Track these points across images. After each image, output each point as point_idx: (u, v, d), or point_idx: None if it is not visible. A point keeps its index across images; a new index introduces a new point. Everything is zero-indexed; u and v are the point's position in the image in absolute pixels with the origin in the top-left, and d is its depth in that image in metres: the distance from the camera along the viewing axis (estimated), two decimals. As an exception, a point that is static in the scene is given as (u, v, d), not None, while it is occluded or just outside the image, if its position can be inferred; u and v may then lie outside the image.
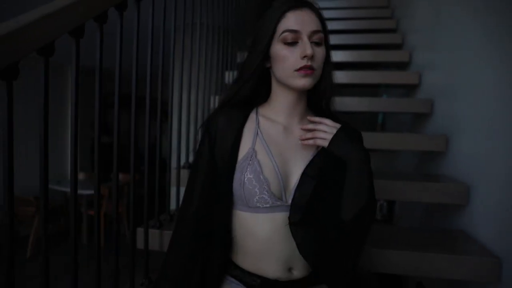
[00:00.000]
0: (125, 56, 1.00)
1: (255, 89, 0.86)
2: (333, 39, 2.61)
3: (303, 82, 0.79)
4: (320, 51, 0.80)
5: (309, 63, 0.78)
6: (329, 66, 0.84)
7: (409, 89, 2.33)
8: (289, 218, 0.79)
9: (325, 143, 0.81)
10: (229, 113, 0.86)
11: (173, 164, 1.47)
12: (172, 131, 1.48)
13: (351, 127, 0.88)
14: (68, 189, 5.17)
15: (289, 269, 0.83)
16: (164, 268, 0.87)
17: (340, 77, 2.24)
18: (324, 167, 0.81)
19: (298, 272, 0.83)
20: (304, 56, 0.77)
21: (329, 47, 0.85)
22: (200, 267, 0.83)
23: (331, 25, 2.85)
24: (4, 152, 0.64)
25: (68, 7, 0.76)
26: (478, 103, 1.37)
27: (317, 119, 0.85)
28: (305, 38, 0.78)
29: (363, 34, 2.83)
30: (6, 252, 0.64)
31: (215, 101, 1.87)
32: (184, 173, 1.49)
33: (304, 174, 0.81)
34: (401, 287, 2.20)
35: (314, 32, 0.79)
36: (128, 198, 4.74)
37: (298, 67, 0.78)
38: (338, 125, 0.83)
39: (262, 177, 0.80)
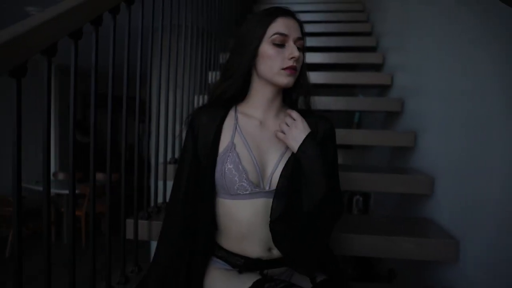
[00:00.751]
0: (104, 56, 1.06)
1: (240, 87, 0.95)
2: (313, 42, 2.77)
3: (287, 80, 0.90)
4: (301, 56, 0.91)
5: (294, 64, 0.88)
6: (304, 68, 0.95)
7: (383, 89, 2.47)
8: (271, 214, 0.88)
9: (283, 139, 0.91)
10: (210, 111, 0.95)
11: (160, 159, 1.54)
12: (159, 128, 1.55)
13: (322, 121, 0.98)
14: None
15: (269, 249, 0.92)
16: (155, 254, 0.96)
17: (318, 77, 2.38)
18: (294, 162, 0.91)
19: (277, 251, 0.92)
20: (292, 57, 0.88)
21: (305, 52, 0.96)
22: (188, 259, 0.92)
23: (310, 28, 2.99)
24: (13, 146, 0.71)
25: (69, 11, 0.83)
26: (442, 102, 1.51)
27: (292, 116, 0.93)
28: (291, 42, 0.89)
29: (340, 37, 2.96)
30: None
31: (199, 100, 1.95)
32: (170, 168, 1.57)
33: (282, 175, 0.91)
34: (374, 273, 2.33)
35: (298, 38, 0.90)
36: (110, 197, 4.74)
37: (285, 66, 0.88)
38: (300, 126, 0.91)
39: (241, 167, 0.89)
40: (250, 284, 0.86)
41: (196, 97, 1.94)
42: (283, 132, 0.92)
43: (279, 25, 0.89)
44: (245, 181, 0.89)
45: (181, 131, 1.73)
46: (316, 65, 2.70)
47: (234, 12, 2.79)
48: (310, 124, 0.94)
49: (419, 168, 1.70)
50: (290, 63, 0.88)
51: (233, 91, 0.94)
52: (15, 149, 0.72)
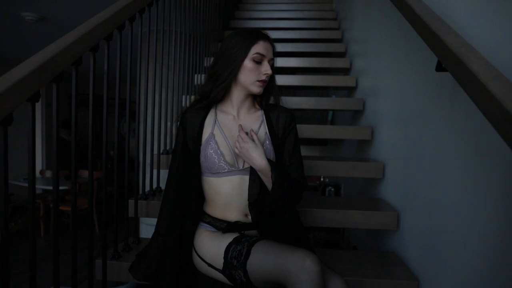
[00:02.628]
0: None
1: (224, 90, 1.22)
2: (289, 47, 3.06)
3: (259, 89, 1.19)
4: (271, 72, 1.20)
5: (266, 79, 1.18)
6: (273, 80, 1.24)
7: (350, 91, 2.78)
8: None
9: (238, 153, 1.15)
10: (195, 110, 1.23)
11: (155, 151, 1.79)
12: (154, 124, 1.80)
13: (283, 113, 1.27)
14: (37, 186, 5.28)
15: (246, 215, 1.20)
16: (157, 225, 1.23)
17: (294, 80, 2.68)
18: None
19: (251, 216, 1.20)
20: (266, 74, 1.17)
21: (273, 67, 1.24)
22: (181, 226, 1.19)
23: (288, 35, 3.28)
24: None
25: (73, 44, 1.02)
26: (394, 101, 1.80)
27: (242, 136, 1.15)
28: (266, 62, 1.17)
29: (315, 43, 3.26)
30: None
31: (186, 100, 2.21)
32: (163, 158, 1.83)
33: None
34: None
35: (271, 59, 1.19)
36: (96, 194, 4.92)
37: (260, 79, 1.17)
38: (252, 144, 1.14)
39: (219, 151, 1.17)
40: (231, 239, 1.14)
41: (184, 97, 2.20)
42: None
43: (260, 47, 1.17)
44: (223, 162, 1.17)
45: (171, 126, 1.99)
46: (293, 69, 3.00)
47: (217, 20, 3.05)
48: (273, 116, 1.24)
49: (375, 157, 2.00)
50: (263, 77, 1.17)
51: (221, 94, 1.21)
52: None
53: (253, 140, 1.16)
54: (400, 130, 1.66)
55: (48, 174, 5.75)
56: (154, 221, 1.29)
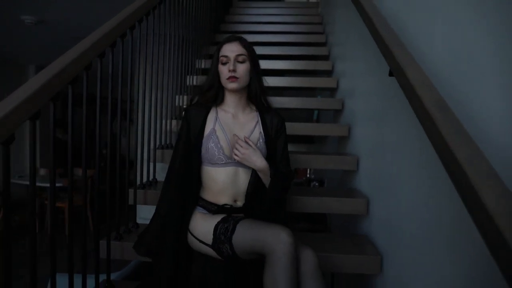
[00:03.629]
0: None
1: (217, 93, 1.42)
2: (276, 50, 3.26)
3: (231, 86, 1.37)
4: (242, 66, 1.37)
5: (232, 74, 1.35)
6: (255, 75, 1.41)
7: (332, 91, 2.99)
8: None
9: (240, 159, 1.33)
10: (198, 107, 1.43)
11: (151, 146, 1.97)
12: (150, 121, 1.98)
13: (276, 117, 1.48)
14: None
15: (235, 200, 1.40)
16: (157, 208, 1.41)
17: (281, 81, 2.89)
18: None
19: (240, 202, 1.40)
20: (229, 70, 1.35)
21: (255, 64, 1.41)
22: (181, 209, 1.38)
23: (276, 38, 3.47)
24: None
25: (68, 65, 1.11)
26: (366, 101, 2.01)
27: (242, 143, 1.34)
28: (232, 60, 1.35)
29: (302, 47, 3.47)
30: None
31: (179, 99, 2.40)
32: (159, 152, 2.02)
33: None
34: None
35: (238, 55, 1.36)
36: (91, 191, 5.06)
37: (227, 76, 1.36)
38: (248, 150, 1.33)
39: (219, 145, 1.36)
40: (219, 219, 1.33)
41: (177, 97, 2.39)
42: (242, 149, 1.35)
43: (224, 50, 1.38)
44: (222, 155, 1.36)
45: (166, 123, 2.18)
46: (280, 71, 3.20)
47: (208, 24, 3.24)
48: (267, 118, 1.44)
49: (351, 152, 2.22)
50: (230, 74, 1.36)
51: (212, 93, 1.42)
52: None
53: (250, 145, 1.35)
54: (371, 127, 1.87)
55: (42, 172, 5.88)
56: (147, 214, 1.47)
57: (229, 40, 1.40)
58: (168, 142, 2.19)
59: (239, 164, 1.38)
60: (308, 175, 3.93)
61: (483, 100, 0.90)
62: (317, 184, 3.39)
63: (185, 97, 2.46)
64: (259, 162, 1.34)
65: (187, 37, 2.55)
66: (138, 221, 1.76)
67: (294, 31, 3.82)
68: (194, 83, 2.71)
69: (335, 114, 2.84)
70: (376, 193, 1.73)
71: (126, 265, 2.28)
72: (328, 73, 3.15)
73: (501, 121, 0.83)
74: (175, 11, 2.23)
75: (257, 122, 1.46)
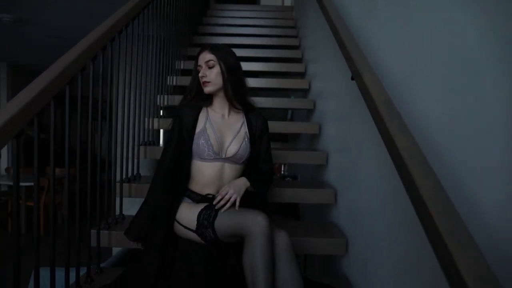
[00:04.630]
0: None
1: (200, 94, 1.57)
2: (251, 52, 3.43)
3: (205, 89, 1.54)
4: (212, 71, 1.52)
5: (203, 79, 1.52)
6: (228, 78, 1.54)
7: (305, 92, 3.18)
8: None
9: (235, 197, 1.44)
10: (190, 106, 1.57)
11: (136, 142, 2.09)
12: (135, 119, 2.10)
13: (260, 119, 1.64)
14: (4, 183, 5.35)
15: (218, 192, 1.55)
16: (147, 197, 1.54)
17: (257, 82, 3.05)
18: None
19: None
20: (200, 76, 1.52)
21: (227, 67, 1.54)
22: (172, 195, 1.51)
23: (251, 41, 3.63)
24: None
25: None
26: (334, 101, 2.21)
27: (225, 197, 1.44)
28: (203, 66, 1.52)
29: (276, 50, 3.65)
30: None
31: (161, 99, 2.52)
32: (142, 148, 2.14)
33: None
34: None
35: (207, 61, 1.52)
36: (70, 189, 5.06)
37: (201, 82, 1.53)
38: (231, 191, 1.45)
39: (209, 142, 1.51)
40: (203, 207, 1.48)
41: (158, 96, 2.51)
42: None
43: (198, 60, 1.55)
44: (211, 151, 1.51)
45: (149, 121, 2.30)
46: (255, 72, 3.37)
47: (187, 26, 3.37)
48: (252, 119, 1.61)
49: (322, 148, 2.41)
50: (202, 79, 1.53)
51: (194, 95, 1.57)
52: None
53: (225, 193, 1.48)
54: (339, 125, 2.07)
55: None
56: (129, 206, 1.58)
57: (201, 50, 1.57)
58: (150, 139, 2.31)
59: (226, 160, 1.54)
60: (282, 172, 4.12)
61: (422, 99, 1.09)
62: (290, 179, 3.58)
63: (165, 96, 2.58)
64: (242, 187, 1.50)
65: (167, 38, 2.67)
66: (124, 212, 1.88)
67: (269, 34, 3.99)
68: (174, 83, 2.84)
69: (308, 114, 3.04)
70: (343, 185, 1.92)
71: (108, 258, 2.39)
72: (301, 75, 3.35)
73: (434, 117, 1.03)
74: (157, 15, 2.35)
75: (243, 122, 1.61)
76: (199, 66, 1.54)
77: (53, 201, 1.41)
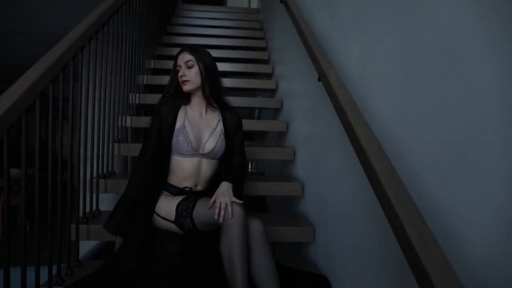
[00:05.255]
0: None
1: (178, 93, 1.65)
2: (219, 53, 3.54)
3: (185, 88, 1.63)
4: (191, 70, 1.62)
5: (183, 78, 1.62)
6: (206, 78, 1.65)
7: (272, 92, 3.33)
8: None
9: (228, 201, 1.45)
10: (170, 104, 1.65)
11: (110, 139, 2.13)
12: (110, 117, 2.14)
13: (235, 116, 1.75)
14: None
15: (195, 185, 1.64)
16: (126, 191, 1.60)
17: (226, 82, 3.14)
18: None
19: (200, 187, 1.66)
20: (180, 76, 1.62)
21: (206, 67, 1.64)
22: (151, 189, 1.58)
23: (219, 42, 3.73)
24: None
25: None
26: (301, 101, 2.36)
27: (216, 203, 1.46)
28: (182, 66, 1.62)
29: (243, 51, 3.77)
30: None
31: (133, 97, 2.56)
32: (116, 146, 2.18)
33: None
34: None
35: (186, 62, 1.62)
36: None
37: (180, 81, 1.62)
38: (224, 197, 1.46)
39: (188, 139, 1.60)
40: (181, 199, 1.57)
41: (130, 95, 2.55)
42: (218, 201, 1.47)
43: (177, 60, 1.64)
44: (190, 147, 1.60)
45: (122, 119, 2.34)
46: (225, 73, 3.47)
47: (157, 25, 3.41)
48: (227, 117, 1.72)
49: (289, 145, 2.56)
50: (182, 79, 1.62)
51: (172, 93, 1.65)
52: None
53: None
54: (305, 123, 2.22)
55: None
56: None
57: (180, 51, 1.66)
58: (123, 136, 2.35)
59: (204, 156, 1.64)
60: (250, 169, 4.25)
61: (379, 98, 1.26)
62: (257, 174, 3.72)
63: (137, 95, 2.63)
64: (229, 189, 1.54)
65: (138, 38, 2.72)
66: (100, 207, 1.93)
67: (236, 35, 4.10)
68: (145, 82, 2.89)
69: (275, 113, 3.18)
70: (310, 178, 2.07)
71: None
72: (268, 76, 3.49)
73: (389, 112, 1.19)
74: (127, 12, 2.40)
75: (219, 120, 1.71)
76: (179, 66, 1.63)
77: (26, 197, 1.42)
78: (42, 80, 1.22)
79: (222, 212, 1.42)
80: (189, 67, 1.62)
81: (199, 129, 1.65)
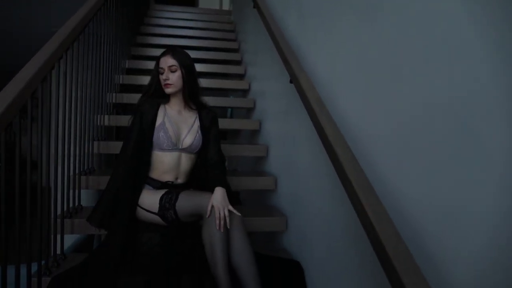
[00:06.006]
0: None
1: (158, 92, 1.76)
2: (192, 54, 3.61)
3: (167, 90, 1.74)
4: (174, 74, 1.73)
5: (166, 82, 1.72)
6: (187, 81, 1.77)
7: (244, 92, 3.47)
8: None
9: (226, 212, 1.54)
10: (150, 103, 1.75)
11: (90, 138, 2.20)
12: (90, 116, 2.20)
13: (211, 113, 1.86)
14: None
15: (176, 178, 1.76)
16: (108, 186, 1.68)
17: (202, 83, 3.25)
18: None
19: (181, 180, 1.77)
20: (164, 79, 1.72)
21: (187, 70, 1.77)
22: (133, 183, 1.68)
23: (191, 43, 3.82)
24: None
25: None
26: (274, 101, 2.51)
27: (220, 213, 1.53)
28: (166, 70, 1.72)
29: (217, 52, 3.88)
30: None
31: (111, 96, 2.63)
32: (103, 144, 2.25)
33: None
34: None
35: (170, 66, 1.73)
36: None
37: (163, 84, 1.73)
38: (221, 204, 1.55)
39: (168, 134, 1.71)
40: (164, 192, 1.68)
41: (108, 94, 2.61)
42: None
43: (160, 63, 1.74)
44: (170, 142, 1.71)
45: (100, 118, 2.40)
46: (200, 73, 3.56)
47: (131, 25, 3.47)
48: (203, 115, 1.83)
49: (262, 142, 2.71)
50: (165, 82, 1.73)
51: (152, 92, 1.75)
52: None
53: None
54: (278, 121, 2.38)
55: None
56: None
57: (163, 54, 1.76)
58: (103, 135, 2.42)
59: (183, 150, 1.75)
60: (223, 167, 4.38)
61: (343, 97, 1.43)
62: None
63: (114, 94, 2.69)
64: (224, 195, 1.62)
65: (114, 39, 2.78)
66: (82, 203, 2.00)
67: (208, 36, 4.20)
68: (121, 81, 2.95)
69: (247, 112, 3.33)
70: (283, 172, 2.23)
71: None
72: (241, 76, 3.63)
73: (351, 109, 1.36)
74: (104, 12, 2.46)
75: (196, 117, 1.83)
76: (162, 68, 1.73)
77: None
78: (34, 81, 1.30)
79: (222, 223, 1.52)
80: (173, 71, 1.72)
81: (177, 125, 1.76)
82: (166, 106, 1.79)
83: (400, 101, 1.08)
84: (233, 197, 1.81)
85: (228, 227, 1.54)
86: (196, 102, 1.85)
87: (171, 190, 1.71)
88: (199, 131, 1.81)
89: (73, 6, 2.60)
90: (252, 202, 2.98)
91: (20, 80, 1.25)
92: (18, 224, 1.34)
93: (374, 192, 0.94)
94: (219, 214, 1.52)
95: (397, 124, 1.09)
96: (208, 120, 1.87)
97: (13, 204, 1.27)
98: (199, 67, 3.43)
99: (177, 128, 1.76)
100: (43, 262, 1.55)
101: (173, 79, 1.72)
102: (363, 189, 0.96)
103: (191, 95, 1.81)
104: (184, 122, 1.80)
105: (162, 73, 1.73)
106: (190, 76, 1.78)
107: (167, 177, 1.74)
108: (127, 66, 3.21)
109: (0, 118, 1.12)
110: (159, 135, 1.71)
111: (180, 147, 1.75)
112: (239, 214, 1.60)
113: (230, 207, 1.58)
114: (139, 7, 4.09)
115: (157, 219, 1.67)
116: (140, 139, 1.71)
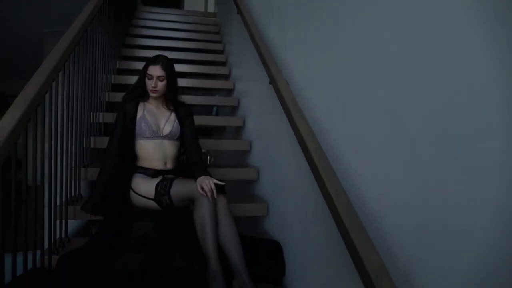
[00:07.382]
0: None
1: (144, 91, 1.98)
2: (178, 55, 3.84)
3: (152, 95, 1.96)
4: (161, 83, 1.95)
5: (154, 89, 1.94)
6: (171, 87, 2.00)
7: (229, 92, 3.69)
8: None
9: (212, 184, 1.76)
10: (131, 100, 1.98)
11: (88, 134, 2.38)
12: (76, 116, 2.39)
13: (185, 106, 2.09)
14: None
15: (165, 164, 1.98)
16: (98, 176, 1.89)
17: (186, 82, 3.47)
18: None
19: (170, 165, 2.00)
20: (152, 86, 1.94)
21: (172, 79, 1.99)
22: (121, 172, 1.89)
23: (177, 44, 4.02)
24: None
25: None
26: (257, 99, 2.74)
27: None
28: (155, 79, 1.94)
29: (201, 53, 4.09)
30: None
31: (104, 96, 2.81)
32: (99, 139, 2.44)
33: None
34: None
35: (159, 76, 1.94)
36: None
37: (150, 88, 1.95)
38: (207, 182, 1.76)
39: (149, 124, 1.94)
40: (159, 180, 1.90)
41: (102, 93, 2.80)
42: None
43: (150, 70, 1.95)
44: (151, 130, 1.94)
45: (95, 116, 2.59)
46: (185, 73, 3.77)
47: (119, 28, 3.64)
48: (179, 109, 2.05)
49: (246, 138, 2.95)
50: (152, 88, 1.94)
51: (139, 91, 1.98)
52: None
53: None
54: (260, 119, 2.62)
55: None
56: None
57: (153, 62, 1.95)
58: (98, 131, 2.61)
59: (164, 137, 1.98)
60: (209, 162, 4.58)
61: (313, 98, 1.68)
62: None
63: (107, 94, 2.88)
64: (208, 176, 1.83)
65: (105, 41, 2.96)
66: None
67: (194, 38, 4.39)
68: (113, 81, 3.13)
69: (232, 110, 3.56)
70: (265, 165, 2.47)
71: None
72: (226, 77, 3.85)
73: (320, 109, 1.61)
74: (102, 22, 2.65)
75: (172, 111, 2.06)
76: (150, 75, 1.94)
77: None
78: (48, 81, 1.51)
79: (210, 194, 1.73)
80: (161, 80, 1.95)
81: (156, 117, 2.00)
82: (145, 103, 2.03)
83: (357, 104, 1.34)
84: (219, 186, 2.04)
85: (216, 197, 1.76)
86: (174, 101, 2.08)
87: (166, 177, 1.93)
88: (176, 121, 2.05)
89: (73, 6, 2.79)
90: (238, 191, 3.22)
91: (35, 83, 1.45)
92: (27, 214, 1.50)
93: (335, 176, 1.19)
94: (207, 186, 1.74)
95: (355, 123, 1.35)
96: (183, 112, 2.09)
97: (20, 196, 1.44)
98: (186, 68, 3.67)
99: (156, 119, 2.00)
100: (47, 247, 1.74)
101: (160, 86, 1.96)
102: (326, 172, 1.21)
103: (170, 96, 2.06)
104: (161, 115, 2.04)
105: (150, 79, 1.94)
106: (173, 83, 2.03)
107: (157, 164, 1.96)
108: (118, 67, 3.39)
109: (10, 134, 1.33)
110: (141, 125, 1.94)
111: (161, 134, 1.98)
112: (224, 183, 1.83)
113: (215, 180, 1.80)
114: (128, 9, 4.25)
115: (152, 204, 1.88)
116: (124, 133, 1.94)
